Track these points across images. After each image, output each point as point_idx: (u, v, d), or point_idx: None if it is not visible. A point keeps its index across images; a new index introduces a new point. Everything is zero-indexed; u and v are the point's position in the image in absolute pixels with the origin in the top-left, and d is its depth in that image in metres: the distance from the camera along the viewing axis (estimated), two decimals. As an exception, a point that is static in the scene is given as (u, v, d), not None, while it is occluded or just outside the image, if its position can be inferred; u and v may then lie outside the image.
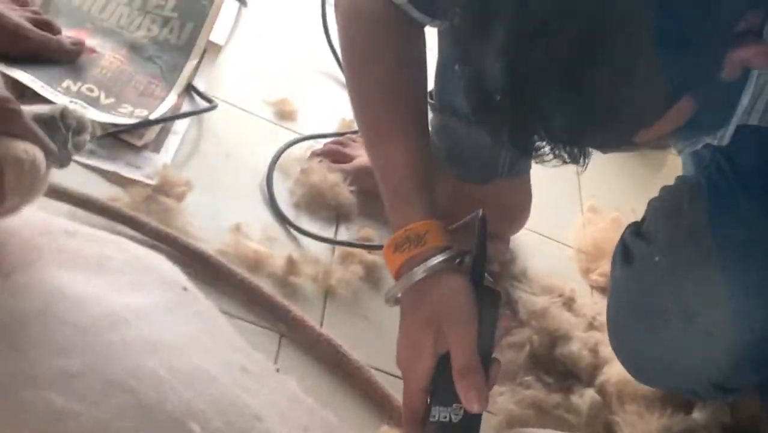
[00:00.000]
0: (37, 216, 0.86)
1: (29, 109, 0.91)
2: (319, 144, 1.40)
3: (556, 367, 1.22)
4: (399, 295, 0.95)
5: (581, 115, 0.77)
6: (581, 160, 0.82)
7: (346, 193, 1.31)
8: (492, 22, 0.77)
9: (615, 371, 1.18)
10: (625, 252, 1.09)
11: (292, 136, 1.40)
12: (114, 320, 0.74)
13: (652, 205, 1.10)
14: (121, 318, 0.74)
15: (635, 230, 1.10)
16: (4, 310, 0.72)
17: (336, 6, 1.10)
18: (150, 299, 0.79)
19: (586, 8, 0.72)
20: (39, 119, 0.83)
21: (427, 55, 1.08)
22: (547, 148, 0.81)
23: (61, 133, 0.86)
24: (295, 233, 1.25)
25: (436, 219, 0.96)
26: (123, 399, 0.70)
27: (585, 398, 1.16)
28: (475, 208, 0.95)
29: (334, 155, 1.38)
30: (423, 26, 1.07)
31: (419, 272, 0.93)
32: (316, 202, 1.30)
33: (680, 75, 0.76)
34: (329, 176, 1.32)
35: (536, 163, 0.86)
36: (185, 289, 0.85)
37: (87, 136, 0.90)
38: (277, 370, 0.88)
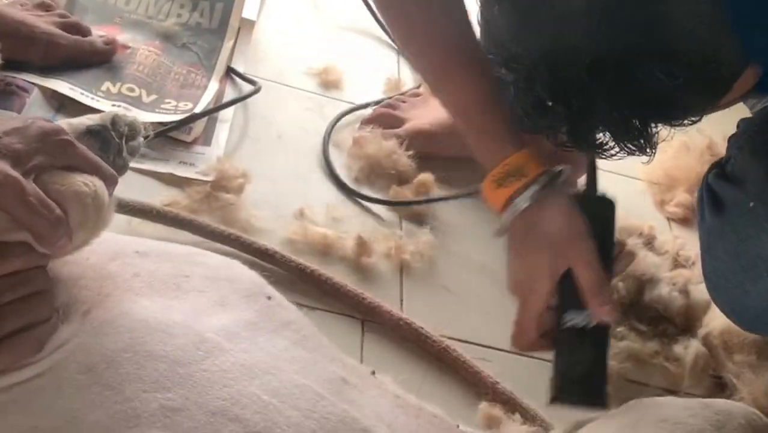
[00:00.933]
0: (105, 239, 0.81)
1: (78, 121, 0.88)
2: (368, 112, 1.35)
3: (647, 313, 1.18)
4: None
5: (640, 109, 0.76)
6: (648, 151, 0.81)
7: (404, 159, 1.26)
8: (534, 26, 0.75)
9: (719, 321, 1.13)
10: (713, 198, 1.04)
11: (340, 106, 1.36)
12: (207, 348, 0.71)
13: (735, 143, 1.04)
14: (214, 345, 0.71)
15: (719, 171, 1.04)
16: (90, 350, 0.69)
17: None
18: (237, 316, 0.76)
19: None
20: (90, 132, 0.81)
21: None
22: (611, 143, 0.80)
23: (114, 141, 0.84)
24: (362, 205, 1.21)
25: (528, 147, 0.96)
26: (231, 430, 0.67)
27: (689, 349, 1.11)
28: None
29: (386, 120, 1.33)
30: None
31: (523, 201, 0.94)
32: (375, 172, 1.26)
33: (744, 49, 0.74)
34: (384, 144, 1.27)
35: (602, 158, 0.86)
36: (269, 297, 0.81)
37: (141, 140, 0.87)
38: (373, 373, 0.84)
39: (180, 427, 0.66)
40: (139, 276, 0.78)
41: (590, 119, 0.82)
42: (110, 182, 0.75)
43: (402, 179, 1.26)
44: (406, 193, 1.24)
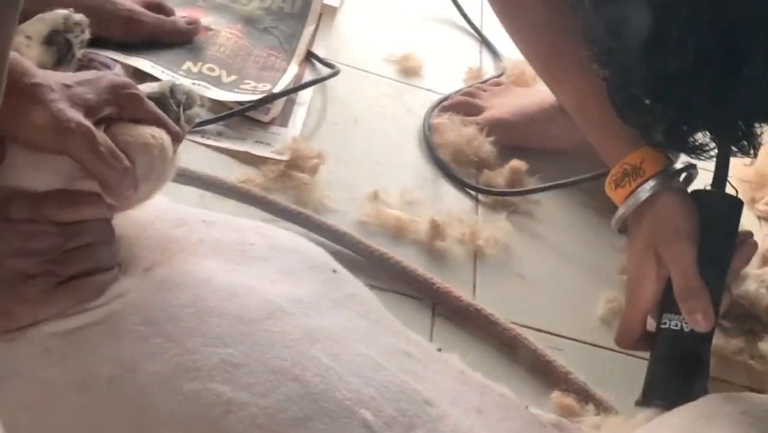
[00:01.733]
0: (172, 207, 0.83)
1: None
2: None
3: (733, 309, 1.13)
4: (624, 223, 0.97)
5: (745, 108, 0.73)
6: (752, 152, 0.78)
7: (486, 145, 1.24)
8: (632, 24, 0.73)
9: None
10: None
11: (419, 93, 1.35)
12: (270, 308, 0.70)
13: None
14: (277, 306, 0.70)
15: None
16: (150, 304, 0.69)
17: None
18: (301, 285, 0.75)
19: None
20: (149, 98, 0.81)
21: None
22: (711, 144, 0.77)
23: (173, 109, 0.85)
24: (436, 189, 1.19)
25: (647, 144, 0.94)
26: (290, 388, 0.66)
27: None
28: None
29: (465, 107, 1.31)
30: None
31: (634, 200, 0.94)
32: (455, 158, 1.24)
33: None
34: (464, 130, 1.25)
35: (700, 159, 0.83)
36: (335, 271, 0.80)
37: (197, 110, 0.88)
38: (439, 350, 0.83)
39: (239, 382, 0.65)
40: (203, 242, 0.78)
41: (691, 119, 0.79)
42: (175, 138, 0.76)
43: (484, 166, 1.24)
44: (498, 179, 1.22)
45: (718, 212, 0.93)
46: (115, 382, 0.66)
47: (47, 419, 0.64)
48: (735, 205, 0.94)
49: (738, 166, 1.38)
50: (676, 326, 0.91)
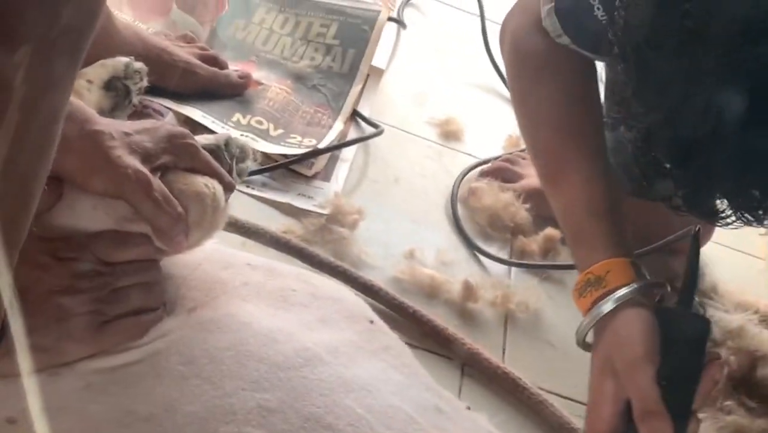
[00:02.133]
0: (219, 250, 0.86)
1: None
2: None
3: (758, 390, 1.14)
4: (585, 338, 0.93)
5: (761, 179, 0.74)
6: (767, 222, 0.79)
7: (522, 212, 1.26)
8: (653, 88, 0.74)
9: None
10: None
11: (459, 157, 1.38)
12: (308, 356, 0.72)
13: None
14: (314, 354, 0.73)
15: None
16: (192, 344, 0.72)
17: (501, 48, 1.09)
18: (339, 334, 0.78)
19: (754, 67, 0.69)
20: (205, 150, 0.84)
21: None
22: (728, 212, 0.78)
23: (226, 161, 0.88)
24: (469, 256, 1.22)
25: (621, 255, 0.93)
26: None
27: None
28: (673, 224, 0.91)
29: (504, 174, 1.34)
30: (592, 60, 1.03)
31: (594, 316, 0.91)
32: (491, 223, 1.26)
33: None
34: (502, 196, 1.28)
35: (717, 226, 0.83)
36: (372, 322, 0.83)
37: (249, 164, 0.92)
38: (468, 408, 0.84)
39: (274, 428, 0.67)
40: (247, 285, 0.80)
41: (708, 186, 0.80)
42: (227, 188, 0.79)
43: (519, 232, 1.26)
44: (532, 245, 1.24)
45: (683, 332, 0.88)
46: (153, 420, 0.68)
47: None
48: (702, 324, 0.89)
49: (766, 249, 1.41)
50: None
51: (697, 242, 0.90)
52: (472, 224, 1.26)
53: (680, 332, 0.88)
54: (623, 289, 0.90)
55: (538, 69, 1.05)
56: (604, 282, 0.91)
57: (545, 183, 1.04)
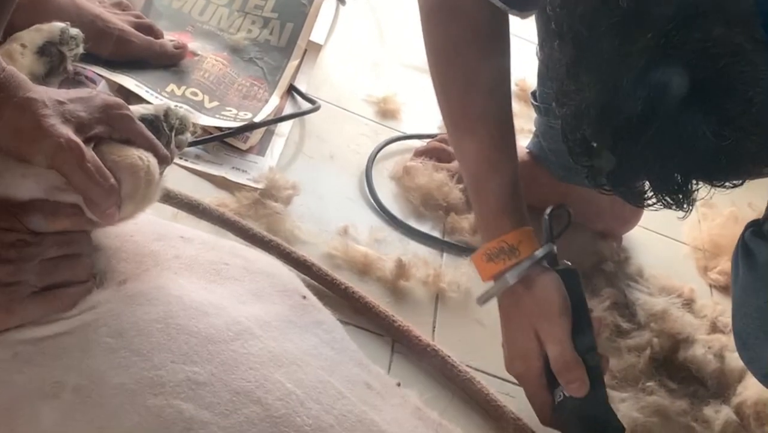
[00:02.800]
0: (152, 222, 0.84)
1: (133, 109, 0.90)
2: (421, 143, 1.37)
3: (679, 372, 1.17)
4: (491, 299, 1.02)
5: (683, 163, 0.75)
6: (686, 207, 0.81)
7: (455, 192, 1.27)
8: (587, 66, 0.75)
9: (753, 391, 1.12)
10: (747, 255, 1.03)
11: (394, 135, 1.38)
12: (239, 330, 0.72)
13: None
14: (245, 328, 0.72)
15: (756, 229, 1.03)
16: (122, 317, 0.71)
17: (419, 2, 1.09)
18: (271, 308, 0.77)
19: (688, 51, 0.70)
20: (143, 120, 0.83)
21: (511, 46, 1.05)
22: (650, 194, 0.80)
23: (164, 133, 0.86)
24: (402, 235, 1.22)
25: (526, 225, 1.00)
26: (252, 410, 0.68)
27: (720, 414, 1.10)
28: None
29: (439, 153, 1.34)
30: (506, 16, 1.04)
31: (511, 278, 0.98)
32: (425, 202, 1.27)
33: None
34: (436, 175, 1.28)
35: (637, 207, 0.86)
36: (304, 297, 0.82)
37: (188, 135, 0.90)
38: (398, 384, 0.85)
39: (202, 401, 0.67)
40: (179, 258, 0.79)
41: (634, 166, 0.81)
42: (163, 161, 0.77)
43: (452, 210, 1.27)
44: (463, 224, 1.25)
45: (573, 285, 0.99)
46: (81, 391, 0.67)
47: (15, 424, 0.65)
48: (577, 275, 1.01)
49: (696, 234, 1.44)
50: (564, 396, 0.95)
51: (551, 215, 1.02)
52: (405, 203, 1.27)
53: (570, 287, 0.99)
54: (532, 258, 0.98)
55: (451, 9, 1.05)
56: (517, 251, 0.98)
57: (453, 145, 1.09)
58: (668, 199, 0.80)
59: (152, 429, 0.66)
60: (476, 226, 1.05)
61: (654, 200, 0.82)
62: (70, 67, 1.03)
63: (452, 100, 1.06)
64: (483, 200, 1.02)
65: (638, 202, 0.84)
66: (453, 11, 1.05)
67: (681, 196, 0.80)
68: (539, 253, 0.99)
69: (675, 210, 0.83)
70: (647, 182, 0.81)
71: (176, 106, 1.16)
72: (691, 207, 0.82)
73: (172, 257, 0.79)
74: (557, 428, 1.00)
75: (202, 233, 0.88)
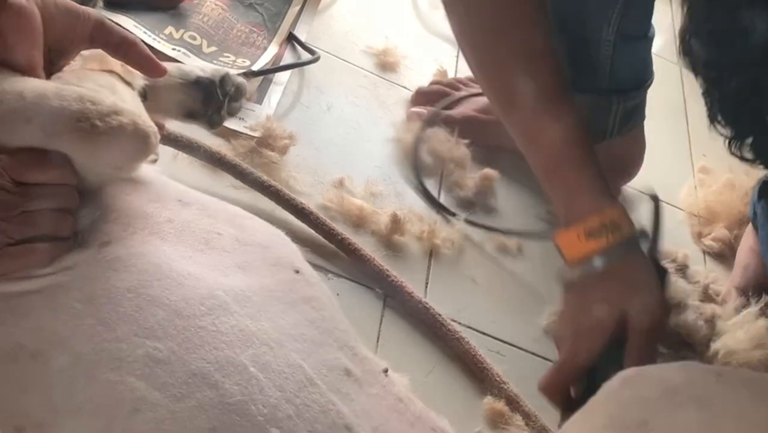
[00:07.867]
0: (154, 181, 0.77)
1: (189, 69, 0.88)
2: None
3: (670, 337, 1.15)
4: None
5: None
6: None
7: (461, 147, 1.24)
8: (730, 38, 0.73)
9: (726, 342, 1.11)
10: None
11: (393, 88, 1.35)
12: (212, 304, 0.66)
13: None
14: (220, 303, 0.66)
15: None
16: (95, 282, 0.65)
17: None
18: (256, 282, 0.71)
19: None
20: (198, 82, 0.83)
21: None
22: None
23: (217, 98, 0.86)
24: (400, 186, 1.19)
25: (617, 201, 0.93)
26: (205, 395, 0.62)
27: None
28: None
29: (440, 97, 1.30)
30: None
31: (612, 255, 0.90)
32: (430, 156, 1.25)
33: None
34: (438, 131, 1.26)
35: None
36: (297, 271, 0.75)
37: (242, 103, 0.88)
38: (385, 371, 0.77)
39: (157, 380, 0.62)
40: (171, 222, 0.73)
41: None
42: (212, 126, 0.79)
43: (451, 169, 1.25)
44: (467, 182, 1.22)
45: (663, 282, 0.93)
46: (39, 357, 0.62)
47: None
48: (667, 275, 0.95)
49: (691, 200, 1.43)
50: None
51: (657, 203, 0.96)
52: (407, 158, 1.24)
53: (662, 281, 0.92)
54: (635, 236, 0.92)
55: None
56: (621, 228, 0.91)
57: (513, 124, 1.01)
58: None
59: (101, 405, 0.61)
60: (559, 205, 0.96)
61: None
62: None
63: (509, 76, 0.98)
64: (572, 178, 0.95)
65: None
66: None
67: None
68: (639, 233, 0.92)
69: None
70: None
71: (172, 49, 1.16)
72: None
73: (165, 220, 0.72)
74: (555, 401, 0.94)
75: (205, 196, 0.79)
